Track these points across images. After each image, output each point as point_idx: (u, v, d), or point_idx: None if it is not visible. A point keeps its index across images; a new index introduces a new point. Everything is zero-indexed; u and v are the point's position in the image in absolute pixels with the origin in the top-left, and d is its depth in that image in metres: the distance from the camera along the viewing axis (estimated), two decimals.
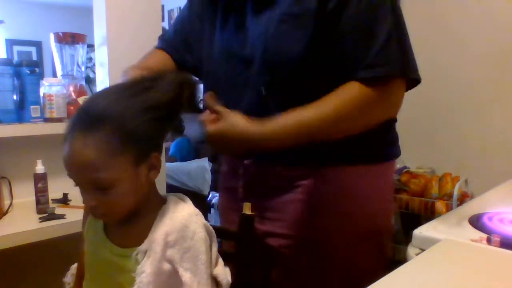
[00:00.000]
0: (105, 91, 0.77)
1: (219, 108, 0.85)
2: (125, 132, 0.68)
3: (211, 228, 0.77)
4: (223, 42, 0.94)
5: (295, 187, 0.91)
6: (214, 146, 0.87)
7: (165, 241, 0.71)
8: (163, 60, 1.03)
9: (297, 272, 0.92)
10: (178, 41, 1.05)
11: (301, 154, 0.88)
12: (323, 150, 0.88)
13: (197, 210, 0.77)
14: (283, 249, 0.91)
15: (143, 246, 0.72)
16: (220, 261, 0.80)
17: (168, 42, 1.07)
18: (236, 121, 0.83)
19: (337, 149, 0.88)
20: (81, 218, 0.87)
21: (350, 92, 0.82)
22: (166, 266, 0.71)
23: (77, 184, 0.71)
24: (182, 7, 1.11)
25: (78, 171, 0.69)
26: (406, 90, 0.90)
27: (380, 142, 0.94)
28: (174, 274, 0.71)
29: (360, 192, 0.91)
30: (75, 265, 0.88)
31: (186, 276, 0.70)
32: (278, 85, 0.86)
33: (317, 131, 0.83)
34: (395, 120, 0.99)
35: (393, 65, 0.82)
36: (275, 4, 0.85)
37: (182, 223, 0.73)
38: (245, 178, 0.98)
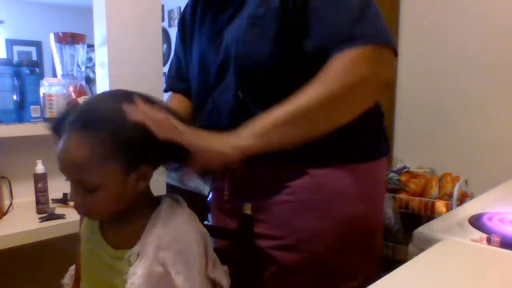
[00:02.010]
0: (108, 94, 0.77)
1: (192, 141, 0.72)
2: (118, 139, 0.68)
3: (205, 230, 0.77)
4: (200, 52, 0.95)
5: (281, 188, 0.89)
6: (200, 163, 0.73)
7: (157, 244, 0.71)
8: (180, 102, 1.05)
9: (287, 274, 0.90)
10: (179, 74, 1.07)
11: (287, 155, 0.84)
12: (309, 150, 0.84)
13: (191, 213, 0.77)
14: (271, 250, 0.90)
15: (135, 248, 0.72)
16: (219, 263, 0.80)
17: (173, 81, 1.09)
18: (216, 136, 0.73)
19: (323, 149, 0.86)
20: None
21: (339, 62, 0.74)
22: (158, 269, 0.71)
23: (67, 179, 0.72)
24: (182, 7, 1.13)
25: (68, 169, 0.70)
26: None
27: (367, 138, 0.93)
28: (165, 277, 0.71)
29: (348, 192, 0.89)
30: (73, 266, 0.88)
31: (178, 279, 0.70)
32: (254, 87, 0.85)
33: (315, 115, 0.75)
34: (381, 116, 0.98)
35: (378, 34, 0.77)
36: (243, 8, 0.85)
37: (176, 226, 0.73)
38: (231, 179, 0.96)
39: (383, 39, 0.77)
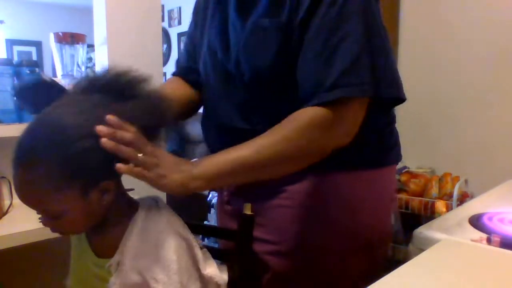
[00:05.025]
0: (48, 113, 0.69)
1: (150, 149, 0.72)
2: (66, 167, 0.65)
3: (187, 232, 0.75)
4: (209, 44, 0.93)
5: (281, 192, 0.87)
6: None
7: (135, 252, 0.70)
8: (178, 86, 1.03)
9: (284, 281, 0.88)
10: (189, 61, 1.04)
11: None
12: None
13: (170, 215, 0.76)
14: (267, 256, 0.88)
15: (115, 258, 0.72)
16: (212, 261, 0.79)
17: (180, 65, 1.07)
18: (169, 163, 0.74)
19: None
20: None
21: (297, 119, 0.77)
22: (136, 278, 0.70)
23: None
24: (182, 7, 1.11)
25: (26, 202, 0.69)
26: (389, 108, 0.91)
27: (374, 145, 0.89)
28: (144, 286, 0.70)
29: (352, 200, 0.87)
30: None
31: (157, 287, 0.69)
32: (260, 88, 0.85)
33: (256, 167, 0.76)
34: (393, 121, 0.95)
35: (354, 86, 0.75)
36: (250, 14, 0.83)
37: (153, 232, 0.72)
38: None
39: (364, 92, 0.76)
